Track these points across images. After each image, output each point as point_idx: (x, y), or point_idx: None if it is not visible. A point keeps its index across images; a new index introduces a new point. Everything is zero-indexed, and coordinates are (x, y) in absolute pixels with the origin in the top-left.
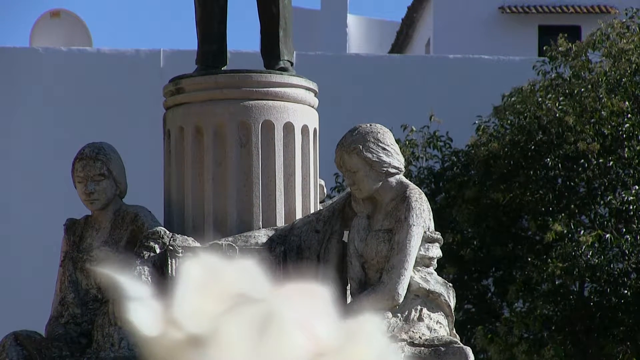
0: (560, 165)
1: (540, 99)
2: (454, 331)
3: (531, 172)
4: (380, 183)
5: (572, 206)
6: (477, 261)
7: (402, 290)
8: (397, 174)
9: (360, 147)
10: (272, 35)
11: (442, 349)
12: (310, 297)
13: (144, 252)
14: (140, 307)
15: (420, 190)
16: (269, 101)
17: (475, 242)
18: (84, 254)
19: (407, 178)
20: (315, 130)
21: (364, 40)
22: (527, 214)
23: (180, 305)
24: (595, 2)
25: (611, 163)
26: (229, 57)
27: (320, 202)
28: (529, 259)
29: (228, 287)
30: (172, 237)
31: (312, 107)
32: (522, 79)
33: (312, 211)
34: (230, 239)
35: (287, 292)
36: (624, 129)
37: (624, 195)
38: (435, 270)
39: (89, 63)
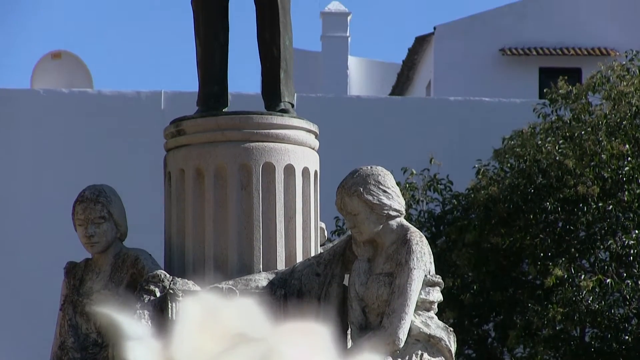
0: (560, 209)
1: (540, 142)
2: None
3: (531, 216)
4: (381, 226)
5: (573, 250)
6: (477, 306)
7: (403, 334)
8: (398, 216)
9: (361, 189)
10: (273, 76)
11: None
12: (309, 336)
13: (145, 296)
14: (140, 347)
15: (421, 234)
16: (270, 143)
17: (475, 286)
18: (84, 298)
19: (407, 221)
20: (316, 172)
21: (365, 82)
22: (527, 258)
23: (179, 344)
24: (596, 44)
25: (611, 207)
26: (229, 99)
27: (320, 245)
28: (530, 304)
29: (227, 327)
30: (172, 280)
31: (313, 149)
32: (523, 121)
33: (312, 254)
34: (230, 282)
35: (286, 331)
36: (624, 172)
37: (624, 239)
38: (435, 314)
39: (90, 105)
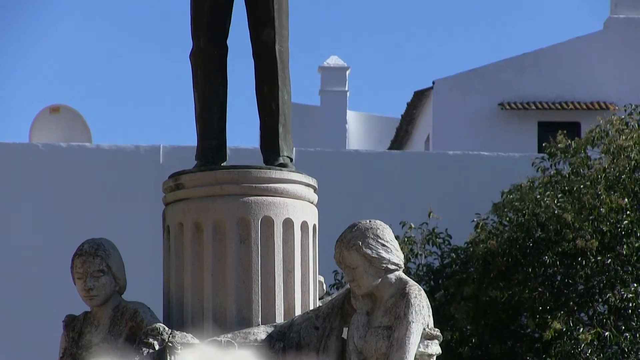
0: (558, 262)
1: (539, 196)
2: None
3: (530, 270)
4: (380, 279)
5: (571, 303)
6: (476, 359)
7: None
8: (397, 270)
9: (360, 243)
10: (272, 131)
11: None
12: None
13: (143, 349)
14: None
15: (419, 287)
16: (269, 197)
17: (474, 340)
18: (83, 351)
19: (406, 275)
20: (314, 226)
21: (364, 136)
22: (526, 312)
23: None
24: (595, 98)
25: (610, 260)
26: (228, 153)
27: (319, 299)
28: (528, 357)
29: None
30: (171, 333)
31: (312, 203)
32: (522, 175)
33: (311, 307)
34: (229, 335)
35: None
36: (622, 225)
37: (623, 292)
38: None
39: (89, 159)
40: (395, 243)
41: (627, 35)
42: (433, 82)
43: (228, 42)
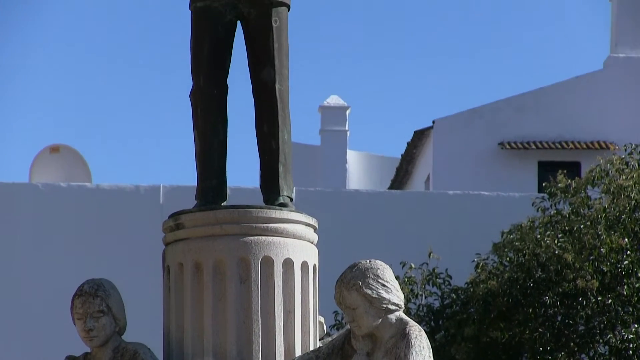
0: (559, 303)
1: (539, 236)
2: None
3: (530, 310)
4: (380, 320)
5: (572, 344)
6: None
7: None
8: (397, 310)
9: (360, 283)
10: (272, 170)
11: None
12: None
13: None
14: None
15: (420, 328)
16: (269, 237)
17: None
18: None
19: (406, 315)
20: (314, 266)
21: (364, 175)
22: (527, 353)
23: None
24: (595, 138)
25: (610, 301)
26: (228, 193)
27: (319, 340)
28: None
29: None
30: None
31: (312, 243)
32: (522, 215)
33: (311, 348)
34: None
35: None
36: (623, 266)
37: (623, 333)
38: None
39: (89, 199)
40: (396, 283)
41: (627, 74)
42: (433, 122)
43: (228, 80)
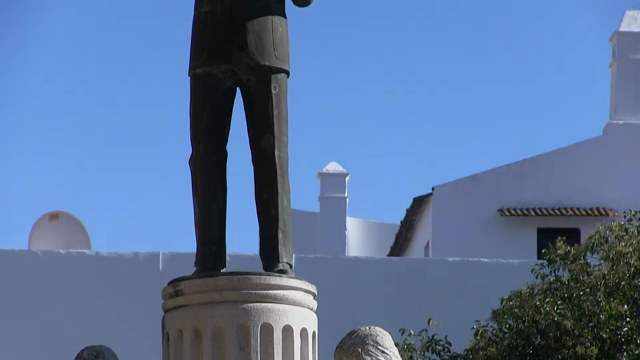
0: None
1: (538, 303)
2: None
3: None
4: None
5: None
6: None
7: None
8: None
9: (360, 350)
10: (271, 237)
11: None
12: None
13: None
14: None
15: None
16: (268, 304)
17: None
18: None
19: None
20: (314, 333)
21: (363, 242)
22: None
23: None
24: (594, 204)
25: None
26: (227, 259)
27: None
28: None
29: None
30: None
31: (311, 309)
32: (521, 282)
33: None
34: None
35: None
36: (622, 332)
37: None
38: None
39: (88, 266)
40: (395, 350)
41: (626, 140)
42: (432, 188)
43: (227, 147)
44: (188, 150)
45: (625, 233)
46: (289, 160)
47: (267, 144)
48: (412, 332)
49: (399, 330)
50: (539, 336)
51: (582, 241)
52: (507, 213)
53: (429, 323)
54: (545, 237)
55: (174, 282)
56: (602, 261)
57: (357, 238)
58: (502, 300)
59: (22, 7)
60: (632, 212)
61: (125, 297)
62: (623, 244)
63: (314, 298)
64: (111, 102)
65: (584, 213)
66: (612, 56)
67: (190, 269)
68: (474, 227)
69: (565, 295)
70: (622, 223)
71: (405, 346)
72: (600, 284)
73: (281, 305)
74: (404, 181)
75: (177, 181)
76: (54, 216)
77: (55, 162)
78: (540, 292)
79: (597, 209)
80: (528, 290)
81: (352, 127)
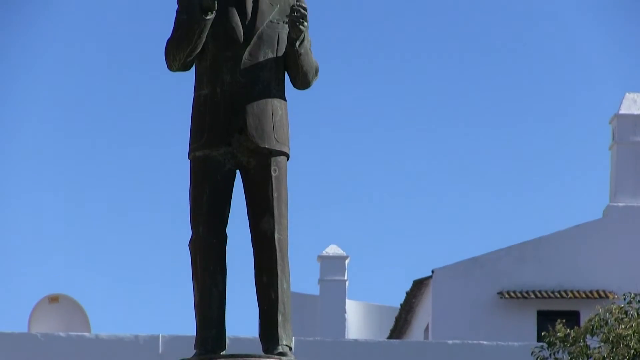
0: None
1: None
2: None
3: None
4: None
5: None
6: None
7: None
8: None
9: None
10: (271, 320)
11: None
12: None
13: None
14: None
15: None
16: None
17: None
18: None
19: None
20: None
21: (363, 325)
22: None
23: None
24: (594, 287)
25: None
26: (227, 342)
27: None
28: None
29: None
30: None
31: None
32: None
33: None
34: None
35: None
36: None
37: None
38: None
39: (88, 349)
40: None
41: (626, 223)
42: (432, 271)
43: (227, 230)
44: (188, 233)
45: (625, 315)
46: (289, 242)
47: (267, 226)
48: None
49: None
50: None
51: (582, 324)
52: (506, 295)
53: None
54: (545, 319)
55: None
56: (602, 344)
57: (357, 321)
58: None
59: None
60: (632, 295)
61: None
62: (623, 326)
63: None
64: (112, 185)
65: (583, 295)
66: (612, 139)
67: (190, 351)
68: (474, 310)
69: None
70: (622, 305)
71: None
72: None
73: None
74: (404, 264)
75: (177, 264)
76: (53, 299)
77: (55, 245)
78: None
79: (597, 291)
80: None
81: (351, 210)
